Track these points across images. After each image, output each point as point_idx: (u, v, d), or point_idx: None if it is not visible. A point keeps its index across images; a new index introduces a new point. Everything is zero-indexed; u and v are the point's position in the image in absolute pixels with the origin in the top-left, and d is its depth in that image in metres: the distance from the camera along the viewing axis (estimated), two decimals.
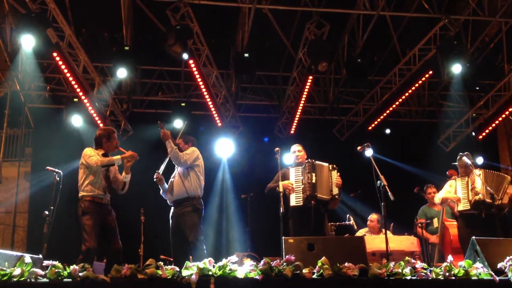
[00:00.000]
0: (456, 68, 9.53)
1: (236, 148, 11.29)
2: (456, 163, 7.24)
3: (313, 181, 6.37)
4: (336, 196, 6.49)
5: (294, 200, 6.44)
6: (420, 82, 10.81)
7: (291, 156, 6.85)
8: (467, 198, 6.90)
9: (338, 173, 6.61)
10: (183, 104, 10.93)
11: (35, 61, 10.74)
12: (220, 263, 4.07)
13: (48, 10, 8.52)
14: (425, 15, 9.58)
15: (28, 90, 11.06)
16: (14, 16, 9.60)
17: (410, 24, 10.47)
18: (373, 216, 8.47)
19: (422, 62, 10.48)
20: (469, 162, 7.03)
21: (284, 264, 4.15)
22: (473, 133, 12.13)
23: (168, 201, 6.48)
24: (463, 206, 6.94)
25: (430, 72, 10.48)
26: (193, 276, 3.88)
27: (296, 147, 6.83)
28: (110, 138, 6.10)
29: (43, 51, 8.87)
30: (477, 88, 11.16)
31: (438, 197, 7.36)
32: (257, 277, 4.03)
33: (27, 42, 8.07)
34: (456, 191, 7.08)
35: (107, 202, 5.96)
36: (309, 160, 6.56)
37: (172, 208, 6.43)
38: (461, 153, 7.23)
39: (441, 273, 4.43)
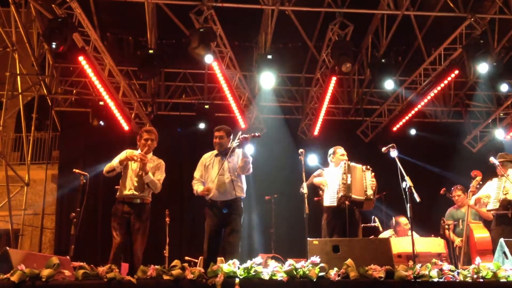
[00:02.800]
0: (483, 67, 9.34)
1: (259, 149, 11.28)
2: (495, 163, 7.12)
3: (348, 182, 6.38)
4: (371, 197, 6.47)
5: (329, 200, 6.50)
6: (445, 82, 10.65)
7: (334, 157, 6.85)
8: (497, 197, 6.83)
9: (373, 174, 6.62)
10: (206, 107, 10.99)
11: (62, 65, 10.95)
12: (245, 265, 4.07)
13: (74, 15, 8.63)
14: (451, 14, 9.45)
15: (55, 94, 11.25)
16: (41, 21, 9.79)
17: (435, 24, 10.35)
18: (405, 220, 8.15)
19: (448, 62, 10.34)
20: (497, 162, 6.96)
21: (309, 266, 4.14)
22: (501, 133, 11.91)
23: (212, 196, 6.03)
24: (492, 205, 6.90)
25: (456, 72, 10.33)
26: (219, 278, 3.90)
27: (342, 150, 6.89)
28: (140, 138, 6.26)
29: (69, 55, 9.00)
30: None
31: (473, 198, 7.31)
32: (282, 279, 4.02)
33: (56, 47, 8.16)
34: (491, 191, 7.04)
35: (140, 201, 5.98)
36: (345, 161, 6.57)
37: (215, 206, 6.03)
38: (500, 153, 7.18)
39: (469, 275, 4.36)
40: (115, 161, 6.10)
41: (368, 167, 6.64)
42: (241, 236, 6.05)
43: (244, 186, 6.19)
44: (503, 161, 7.08)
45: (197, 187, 6.14)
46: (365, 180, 6.52)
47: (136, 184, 5.98)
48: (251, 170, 6.14)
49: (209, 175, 6.15)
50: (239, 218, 6.05)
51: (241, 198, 6.12)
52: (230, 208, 6.00)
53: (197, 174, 6.27)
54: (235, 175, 6.09)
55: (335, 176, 6.60)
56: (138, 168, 6.06)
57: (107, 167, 6.11)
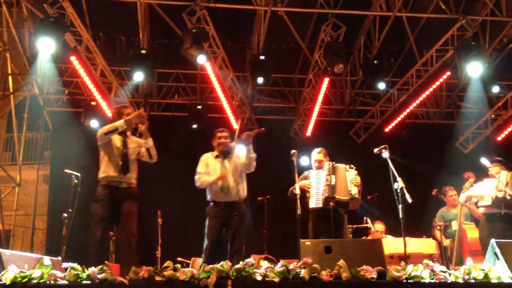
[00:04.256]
0: (474, 69, 9.38)
1: None
2: (488, 166, 7.12)
3: (333, 183, 6.39)
4: (356, 196, 6.48)
5: (314, 202, 6.54)
6: (437, 83, 10.72)
7: (313, 159, 6.89)
8: (490, 194, 6.85)
9: (356, 172, 6.62)
10: (199, 107, 10.97)
11: (54, 65, 10.89)
12: (237, 266, 4.07)
13: (66, 15, 8.61)
14: (442, 16, 9.47)
15: (46, 94, 11.20)
16: (33, 21, 9.74)
17: (427, 25, 10.39)
18: (380, 227, 8.30)
19: (440, 63, 10.39)
20: (489, 164, 7.00)
21: (302, 266, 4.14)
22: (492, 135, 11.99)
23: (216, 198, 6.04)
24: (485, 202, 6.90)
25: (448, 73, 10.38)
26: (211, 279, 3.89)
27: (315, 152, 6.92)
28: (120, 115, 5.69)
29: (61, 55, 8.97)
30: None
31: (463, 195, 7.30)
32: (274, 279, 4.02)
33: (46, 46, 8.13)
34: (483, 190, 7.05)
35: (126, 185, 5.59)
36: (329, 162, 6.59)
37: (217, 207, 6.01)
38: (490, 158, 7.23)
39: (460, 276, 4.38)
40: (119, 122, 5.49)
41: (352, 165, 6.65)
42: (248, 236, 6.02)
43: (245, 188, 6.20)
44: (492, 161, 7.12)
45: (207, 178, 6.05)
46: (348, 179, 6.53)
47: (121, 162, 5.57)
48: (254, 168, 6.18)
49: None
50: (245, 218, 6.04)
51: (244, 198, 6.13)
52: (234, 209, 5.98)
53: (201, 169, 6.17)
54: (237, 175, 6.11)
55: (319, 177, 6.63)
56: (121, 146, 5.66)
57: (107, 127, 5.51)
